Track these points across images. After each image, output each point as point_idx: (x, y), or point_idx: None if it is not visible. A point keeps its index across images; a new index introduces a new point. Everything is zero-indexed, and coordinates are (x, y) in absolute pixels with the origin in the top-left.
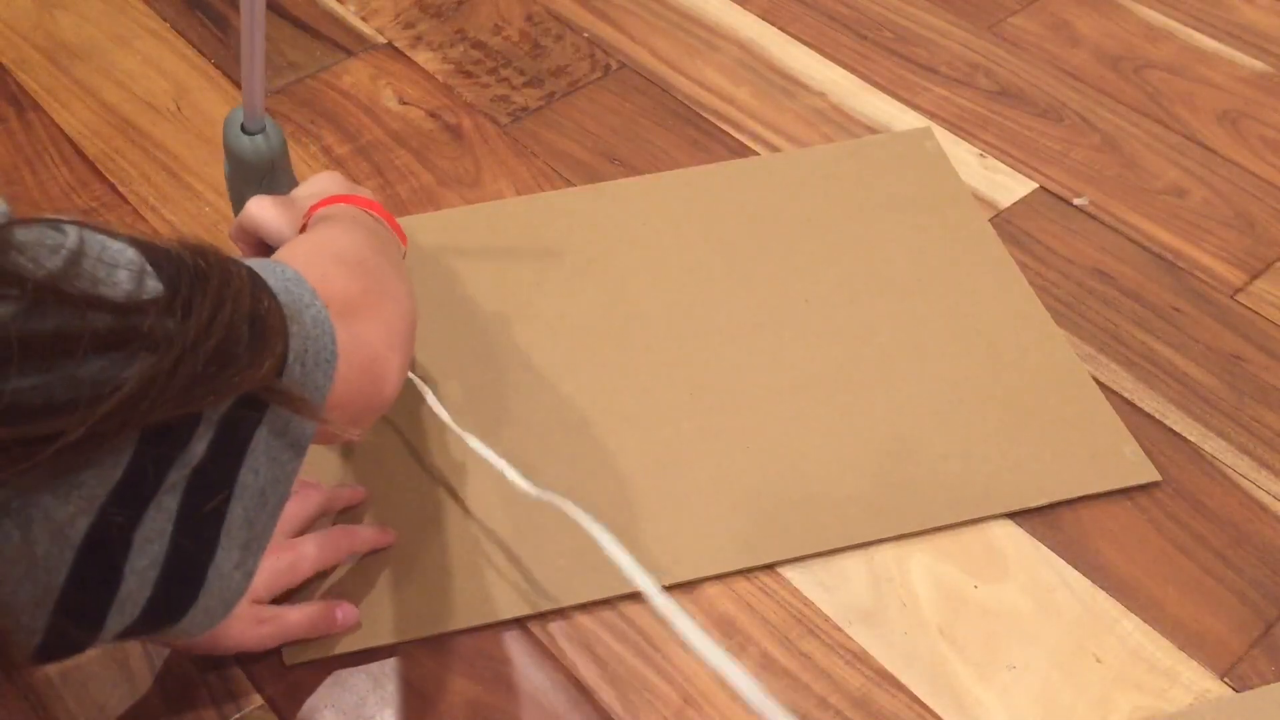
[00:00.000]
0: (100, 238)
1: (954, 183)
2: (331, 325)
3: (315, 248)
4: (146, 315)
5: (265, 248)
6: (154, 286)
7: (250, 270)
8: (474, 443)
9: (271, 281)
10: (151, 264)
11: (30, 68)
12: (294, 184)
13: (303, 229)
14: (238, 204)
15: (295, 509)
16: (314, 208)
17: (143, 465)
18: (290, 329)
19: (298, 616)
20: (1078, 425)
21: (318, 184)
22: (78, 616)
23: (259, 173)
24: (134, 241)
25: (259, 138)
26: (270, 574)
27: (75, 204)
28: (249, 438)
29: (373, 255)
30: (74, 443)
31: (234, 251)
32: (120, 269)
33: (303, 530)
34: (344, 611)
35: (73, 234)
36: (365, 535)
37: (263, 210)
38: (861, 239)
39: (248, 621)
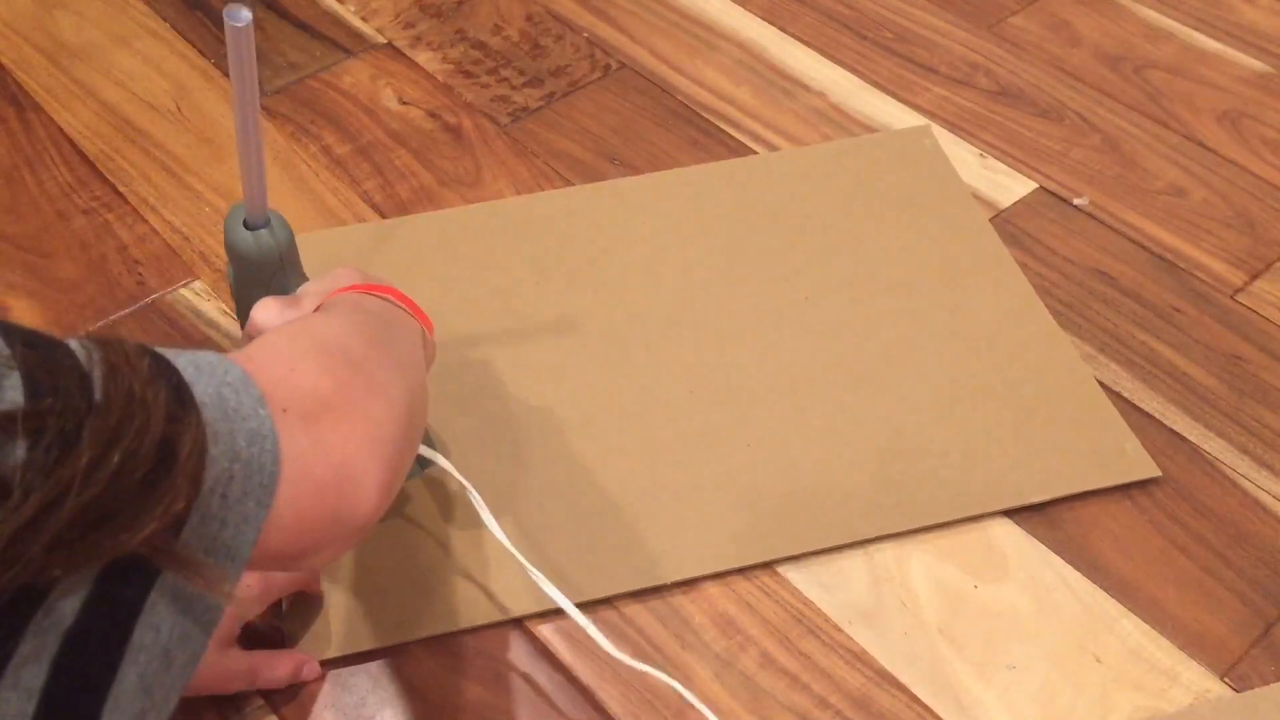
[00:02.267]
0: None
1: (953, 180)
2: (276, 441)
3: (293, 336)
4: None
5: None
6: (11, 398)
7: (175, 383)
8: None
9: (203, 389)
10: (26, 370)
11: (30, 68)
12: (304, 281)
13: None
14: (243, 309)
15: (239, 608)
16: (322, 302)
17: None
18: (210, 452)
19: (266, 677)
20: (1078, 422)
21: (330, 279)
22: None
23: (266, 272)
24: (17, 336)
25: (263, 233)
26: (242, 605)
27: (75, 204)
28: (143, 593)
29: (362, 342)
30: None
31: None
32: None
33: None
34: (310, 669)
35: None
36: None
37: (268, 312)
38: (861, 237)
39: (215, 674)
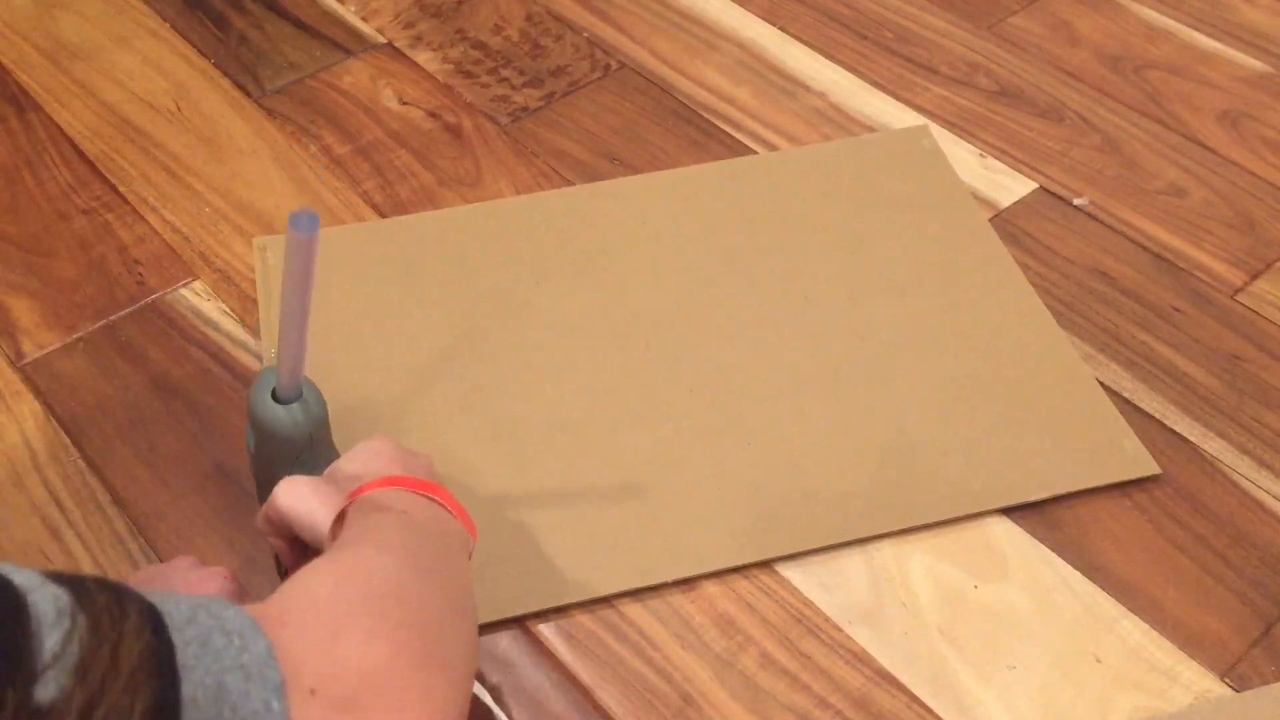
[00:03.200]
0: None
1: (951, 180)
2: None
3: (339, 583)
4: None
5: (300, 541)
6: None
7: (165, 672)
8: None
9: (200, 678)
10: None
11: (30, 68)
12: (334, 457)
13: (340, 518)
14: (264, 485)
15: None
16: (357, 491)
17: None
18: None
19: None
20: (1077, 420)
21: (364, 458)
22: None
23: (294, 448)
24: None
25: (295, 407)
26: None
27: (75, 204)
28: None
29: (420, 586)
30: None
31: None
32: None
33: None
34: None
35: None
36: None
37: (295, 496)
38: (860, 236)
39: None
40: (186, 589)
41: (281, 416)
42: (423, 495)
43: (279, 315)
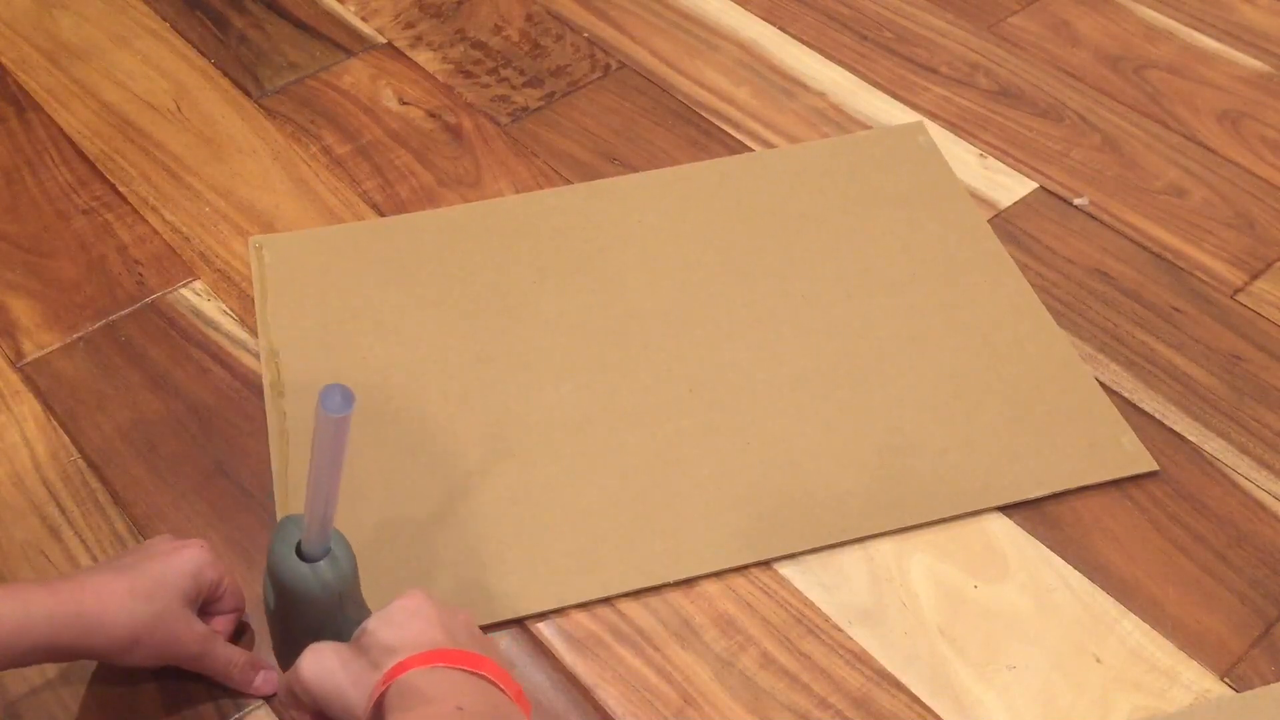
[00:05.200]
0: None
1: (947, 176)
2: None
3: None
4: None
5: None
6: None
7: None
8: None
9: None
10: None
11: (30, 68)
12: (365, 614)
13: (379, 701)
14: (284, 646)
15: (198, 569)
16: (395, 669)
17: None
18: None
19: (224, 653)
20: (1075, 417)
21: (400, 620)
22: None
23: (321, 611)
24: None
25: (322, 565)
26: (175, 646)
27: (75, 204)
28: None
29: None
30: None
31: None
32: None
33: (203, 595)
34: (264, 677)
35: None
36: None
37: (322, 669)
38: (857, 233)
39: (174, 635)
40: (164, 558)
41: (308, 576)
42: (472, 673)
43: (308, 478)
